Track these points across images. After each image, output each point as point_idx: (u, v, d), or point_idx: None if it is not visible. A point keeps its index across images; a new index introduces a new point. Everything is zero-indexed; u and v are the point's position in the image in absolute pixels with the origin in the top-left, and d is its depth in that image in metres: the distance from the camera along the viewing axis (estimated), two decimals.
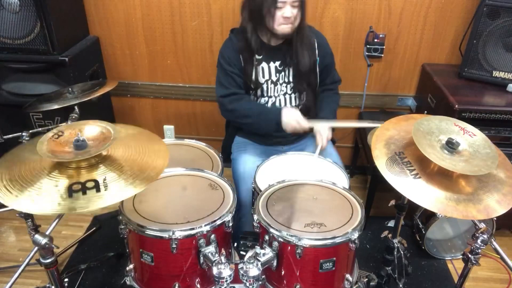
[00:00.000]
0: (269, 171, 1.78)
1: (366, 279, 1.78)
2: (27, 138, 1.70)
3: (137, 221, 1.38)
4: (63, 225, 2.40)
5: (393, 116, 1.50)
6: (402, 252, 1.78)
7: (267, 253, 1.36)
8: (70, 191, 1.08)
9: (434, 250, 2.23)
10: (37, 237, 1.18)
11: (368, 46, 2.45)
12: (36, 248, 1.21)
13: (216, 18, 2.44)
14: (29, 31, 2.13)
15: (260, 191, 1.58)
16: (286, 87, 1.90)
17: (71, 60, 2.22)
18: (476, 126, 1.33)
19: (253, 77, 1.84)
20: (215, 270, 1.27)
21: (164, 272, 1.42)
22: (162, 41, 2.53)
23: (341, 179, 1.72)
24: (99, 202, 1.07)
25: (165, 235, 1.34)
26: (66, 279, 1.42)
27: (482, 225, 1.30)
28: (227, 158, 2.05)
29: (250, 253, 1.34)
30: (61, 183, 1.11)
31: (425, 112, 2.13)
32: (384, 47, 2.45)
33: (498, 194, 1.22)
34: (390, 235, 1.79)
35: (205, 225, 1.37)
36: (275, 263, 1.38)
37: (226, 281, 1.26)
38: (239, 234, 1.56)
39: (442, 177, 1.23)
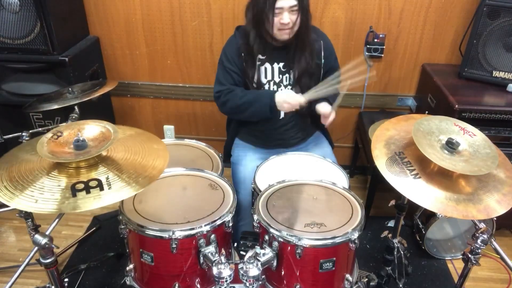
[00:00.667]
0: (269, 171, 1.78)
1: (366, 279, 1.78)
2: (27, 138, 1.70)
3: (137, 221, 1.38)
4: (63, 225, 2.40)
5: (393, 116, 1.50)
6: (402, 252, 1.78)
7: (267, 253, 1.36)
8: (74, 190, 1.08)
9: (434, 250, 2.23)
10: (37, 237, 1.18)
11: (368, 46, 2.45)
12: (36, 248, 1.21)
13: (216, 18, 2.44)
14: (29, 31, 2.13)
15: (260, 191, 1.58)
16: (291, 89, 1.88)
17: (71, 60, 2.22)
18: (476, 126, 1.33)
19: (256, 77, 1.83)
20: (215, 270, 1.27)
21: (164, 272, 1.42)
22: (162, 41, 2.53)
23: (341, 179, 1.72)
24: (102, 201, 1.07)
25: (165, 235, 1.34)
26: (66, 279, 1.42)
27: (482, 225, 1.30)
28: (228, 159, 2.05)
29: (250, 253, 1.34)
30: (63, 182, 1.11)
31: (426, 112, 2.13)
32: (384, 47, 2.44)
33: (498, 194, 1.22)
34: (390, 235, 1.79)
35: (205, 225, 1.37)
36: (275, 263, 1.38)
37: (226, 281, 1.26)
38: (238, 237, 1.56)
39: (442, 177, 1.23)
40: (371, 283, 1.79)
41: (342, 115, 2.69)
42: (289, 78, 1.87)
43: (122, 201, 1.46)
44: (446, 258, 2.24)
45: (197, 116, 2.80)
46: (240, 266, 1.30)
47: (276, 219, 1.42)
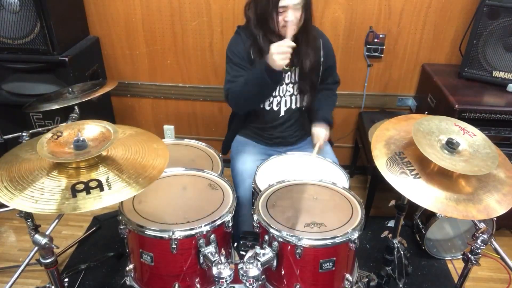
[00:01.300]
0: (269, 171, 1.78)
1: (366, 279, 1.78)
2: (27, 138, 1.70)
3: (137, 221, 1.38)
4: (63, 225, 2.40)
5: (393, 116, 1.50)
6: (402, 252, 1.78)
7: (267, 253, 1.36)
8: (74, 191, 1.08)
9: (434, 250, 2.23)
10: (37, 237, 1.18)
11: (368, 46, 2.45)
12: (36, 248, 1.21)
13: (216, 18, 2.44)
14: (29, 31, 2.13)
15: (260, 191, 1.58)
16: (293, 87, 1.89)
17: (71, 60, 2.22)
18: (476, 126, 1.33)
19: None
20: (215, 270, 1.27)
21: (164, 272, 1.42)
22: (162, 41, 2.53)
23: (341, 179, 1.72)
24: (102, 201, 1.07)
25: (165, 235, 1.34)
26: (66, 279, 1.42)
27: (482, 225, 1.30)
28: (226, 153, 2.04)
29: (250, 253, 1.34)
30: (63, 183, 1.11)
31: (426, 112, 2.13)
32: (384, 47, 2.45)
33: (498, 194, 1.22)
34: (390, 235, 1.79)
35: (205, 225, 1.37)
36: (275, 263, 1.38)
37: (226, 281, 1.26)
38: (238, 233, 1.56)
39: (442, 177, 1.23)
40: (371, 283, 1.79)
41: (342, 115, 2.69)
42: (291, 76, 1.87)
43: (121, 201, 1.46)
44: (446, 258, 2.24)
45: (197, 116, 2.80)
46: (240, 266, 1.30)
47: (276, 219, 1.42)
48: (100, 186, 1.10)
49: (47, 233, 1.20)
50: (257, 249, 1.35)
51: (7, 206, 1.06)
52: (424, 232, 2.13)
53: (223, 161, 1.87)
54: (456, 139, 1.25)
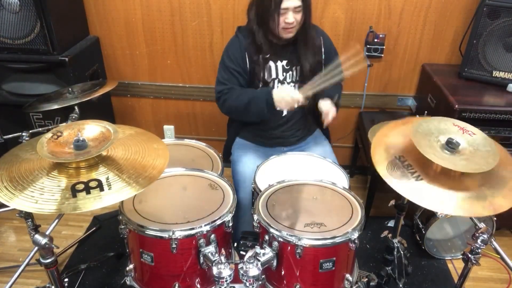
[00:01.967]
0: (269, 171, 1.78)
1: (366, 279, 1.78)
2: (27, 138, 1.70)
3: (137, 221, 1.38)
4: (63, 225, 2.40)
5: (393, 116, 1.50)
6: (402, 252, 1.78)
7: (267, 253, 1.36)
8: (74, 191, 1.08)
9: (434, 250, 2.23)
10: (37, 237, 1.18)
11: (368, 46, 2.45)
12: (36, 248, 1.21)
13: (216, 18, 2.44)
14: (29, 31, 2.13)
15: (260, 191, 1.58)
16: (295, 86, 1.89)
17: (71, 60, 2.22)
18: (476, 126, 1.33)
19: (261, 75, 1.83)
20: (215, 270, 1.27)
21: (164, 272, 1.43)
22: (162, 41, 2.53)
23: (341, 179, 1.72)
24: (102, 201, 1.07)
25: (165, 235, 1.34)
26: (66, 279, 1.42)
27: (482, 225, 1.30)
28: (228, 159, 2.05)
29: (250, 253, 1.34)
30: (63, 183, 1.11)
31: (426, 112, 2.13)
32: (384, 47, 2.45)
33: (504, 189, 1.21)
34: (390, 235, 1.79)
35: (205, 225, 1.37)
36: (275, 263, 1.38)
37: (226, 281, 1.26)
38: (238, 236, 1.56)
39: (445, 177, 1.22)
40: (371, 283, 1.78)
41: (342, 115, 2.69)
42: (293, 75, 1.87)
43: (122, 201, 1.46)
44: (446, 258, 2.24)
45: (197, 116, 2.80)
46: (240, 266, 1.30)
47: (276, 219, 1.42)
48: (100, 186, 1.10)
49: (47, 233, 1.20)
50: (257, 249, 1.35)
51: (7, 206, 1.06)
52: (424, 232, 2.13)
53: (223, 161, 1.87)
54: (455, 138, 1.25)
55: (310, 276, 1.40)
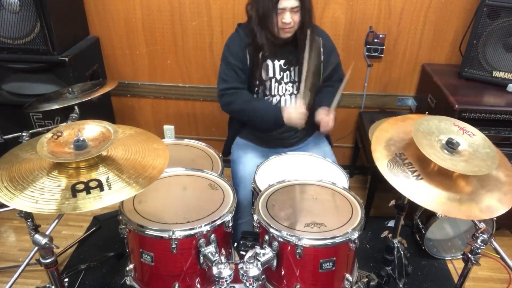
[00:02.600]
0: (269, 171, 1.78)
1: (366, 279, 1.78)
2: (27, 138, 1.70)
3: (137, 221, 1.38)
4: (63, 225, 2.40)
5: (393, 116, 1.50)
6: (402, 252, 1.78)
7: (267, 253, 1.36)
8: (74, 191, 1.08)
9: (434, 250, 2.23)
10: (37, 237, 1.18)
11: (368, 46, 2.45)
12: (36, 248, 1.21)
13: (216, 18, 2.44)
14: (29, 31, 2.13)
15: (260, 191, 1.58)
16: (292, 86, 1.89)
17: (71, 60, 2.22)
18: (476, 126, 1.33)
19: (258, 74, 1.84)
20: (215, 270, 1.27)
21: (164, 272, 1.42)
22: (162, 41, 2.53)
23: (341, 179, 1.72)
24: (102, 201, 1.07)
25: (165, 235, 1.34)
26: (66, 279, 1.42)
27: (482, 225, 1.30)
28: (227, 156, 2.04)
29: (250, 253, 1.34)
30: (63, 183, 1.11)
31: (426, 112, 2.13)
32: (384, 47, 2.45)
33: (499, 193, 1.21)
34: (390, 235, 1.79)
35: (205, 225, 1.37)
36: (275, 263, 1.38)
37: (226, 281, 1.26)
38: (238, 236, 1.56)
39: (443, 177, 1.23)
40: (371, 283, 1.79)
41: (342, 115, 2.69)
42: (290, 75, 1.87)
43: (122, 201, 1.46)
44: (446, 258, 2.24)
45: (197, 116, 2.80)
46: (240, 266, 1.30)
47: (276, 219, 1.42)
48: (100, 186, 1.10)
49: (47, 233, 1.20)
50: (257, 249, 1.35)
51: (7, 206, 1.06)
52: (424, 232, 2.13)
53: (223, 161, 1.87)
54: (456, 139, 1.25)
55: (310, 276, 1.40)
